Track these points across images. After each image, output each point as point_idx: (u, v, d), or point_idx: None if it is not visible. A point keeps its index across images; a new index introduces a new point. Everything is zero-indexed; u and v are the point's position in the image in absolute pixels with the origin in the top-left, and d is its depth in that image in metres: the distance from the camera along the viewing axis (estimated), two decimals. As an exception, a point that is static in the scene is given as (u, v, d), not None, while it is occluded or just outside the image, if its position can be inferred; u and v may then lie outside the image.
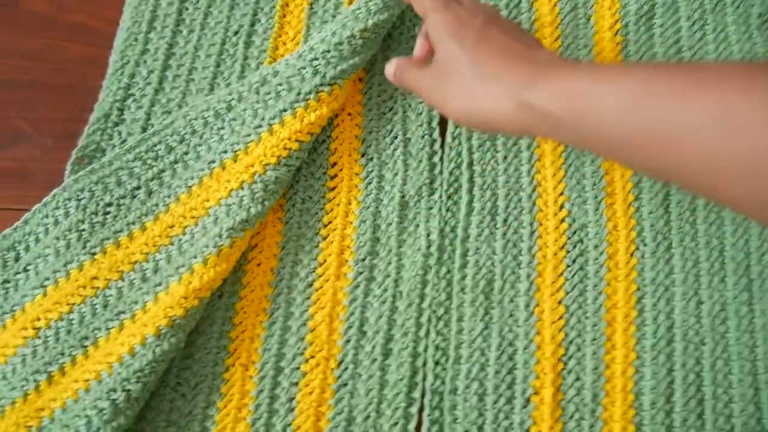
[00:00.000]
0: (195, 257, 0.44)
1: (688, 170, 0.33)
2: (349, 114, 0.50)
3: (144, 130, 0.49)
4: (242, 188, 0.45)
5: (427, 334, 0.45)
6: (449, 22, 0.41)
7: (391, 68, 0.46)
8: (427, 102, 0.43)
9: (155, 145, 0.47)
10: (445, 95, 0.41)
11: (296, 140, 0.46)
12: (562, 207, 0.48)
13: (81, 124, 0.49)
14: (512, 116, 0.37)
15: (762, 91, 0.29)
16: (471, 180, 0.48)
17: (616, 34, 0.52)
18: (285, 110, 0.46)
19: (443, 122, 0.50)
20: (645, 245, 0.47)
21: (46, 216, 0.46)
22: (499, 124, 0.39)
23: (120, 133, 0.49)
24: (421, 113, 0.50)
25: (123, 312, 0.44)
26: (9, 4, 0.54)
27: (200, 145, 0.47)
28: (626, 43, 0.52)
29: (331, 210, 0.48)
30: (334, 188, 0.49)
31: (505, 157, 0.49)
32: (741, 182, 0.31)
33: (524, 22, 0.52)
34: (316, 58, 0.47)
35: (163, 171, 0.47)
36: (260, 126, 0.47)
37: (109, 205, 0.46)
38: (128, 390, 0.41)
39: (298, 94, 0.47)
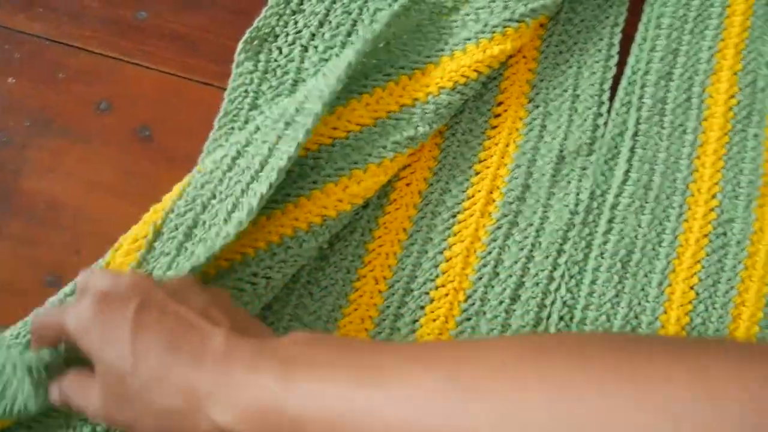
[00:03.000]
0: (356, 163, 0.43)
1: None
2: (524, 57, 0.50)
3: (321, 25, 0.48)
4: (414, 106, 0.45)
5: (558, 288, 0.46)
6: (92, 321, 0.31)
7: (54, 390, 0.34)
8: (111, 425, 0.33)
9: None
10: (129, 414, 0.30)
11: (475, 70, 0.45)
12: (714, 196, 0.48)
13: (254, 2, 0.48)
14: None
15: None
16: (632, 150, 0.48)
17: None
18: (469, 39, 0.46)
19: (615, 86, 0.50)
20: (786, 253, 0.47)
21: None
22: None
23: (296, 23, 0.48)
24: (595, 72, 0.49)
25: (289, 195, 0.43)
26: None
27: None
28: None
29: (489, 148, 0.48)
30: (495, 127, 0.48)
31: (670, 135, 0.49)
32: None
33: (716, 4, 0.51)
34: (507, -7, 0.46)
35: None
36: (442, 49, 0.46)
37: None
38: (269, 277, 0.41)
39: (485, 25, 0.46)
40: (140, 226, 0.42)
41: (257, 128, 0.42)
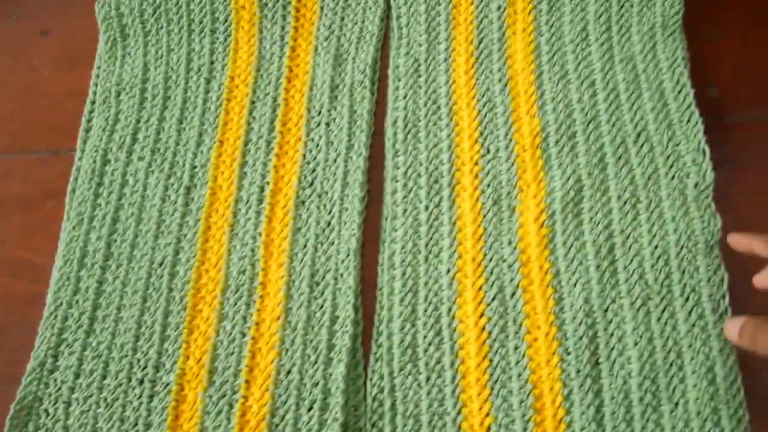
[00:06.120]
0: None
1: None
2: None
3: (77, 377, 0.49)
4: None
5: None
6: None
7: (734, 327, 0.38)
8: None
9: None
10: None
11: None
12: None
13: (24, 366, 0.50)
14: None
15: None
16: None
17: (541, 226, 0.50)
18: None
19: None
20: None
21: None
22: None
23: (55, 381, 0.49)
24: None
25: None
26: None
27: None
28: (553, 235, 0.49)
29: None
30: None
31: (428, 378, 0.47)
32: None
33: (445, 222, 0.51)
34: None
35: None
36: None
37: None
38: None
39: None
40: None
41: None
